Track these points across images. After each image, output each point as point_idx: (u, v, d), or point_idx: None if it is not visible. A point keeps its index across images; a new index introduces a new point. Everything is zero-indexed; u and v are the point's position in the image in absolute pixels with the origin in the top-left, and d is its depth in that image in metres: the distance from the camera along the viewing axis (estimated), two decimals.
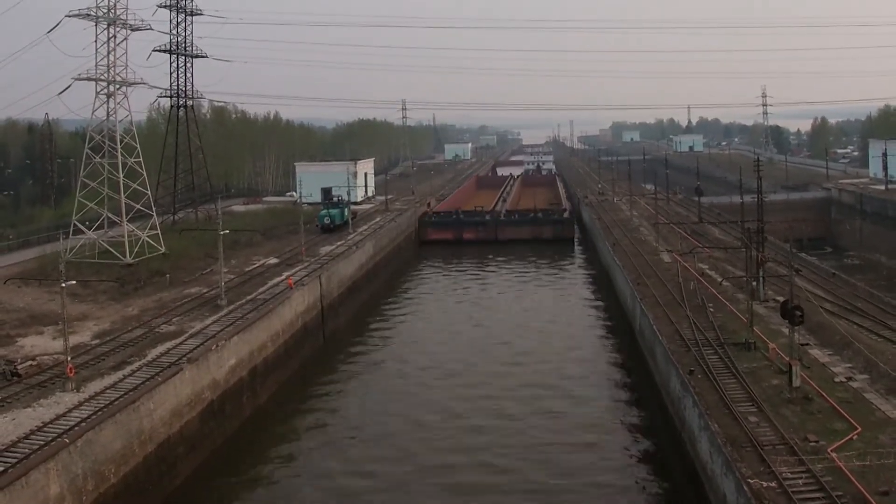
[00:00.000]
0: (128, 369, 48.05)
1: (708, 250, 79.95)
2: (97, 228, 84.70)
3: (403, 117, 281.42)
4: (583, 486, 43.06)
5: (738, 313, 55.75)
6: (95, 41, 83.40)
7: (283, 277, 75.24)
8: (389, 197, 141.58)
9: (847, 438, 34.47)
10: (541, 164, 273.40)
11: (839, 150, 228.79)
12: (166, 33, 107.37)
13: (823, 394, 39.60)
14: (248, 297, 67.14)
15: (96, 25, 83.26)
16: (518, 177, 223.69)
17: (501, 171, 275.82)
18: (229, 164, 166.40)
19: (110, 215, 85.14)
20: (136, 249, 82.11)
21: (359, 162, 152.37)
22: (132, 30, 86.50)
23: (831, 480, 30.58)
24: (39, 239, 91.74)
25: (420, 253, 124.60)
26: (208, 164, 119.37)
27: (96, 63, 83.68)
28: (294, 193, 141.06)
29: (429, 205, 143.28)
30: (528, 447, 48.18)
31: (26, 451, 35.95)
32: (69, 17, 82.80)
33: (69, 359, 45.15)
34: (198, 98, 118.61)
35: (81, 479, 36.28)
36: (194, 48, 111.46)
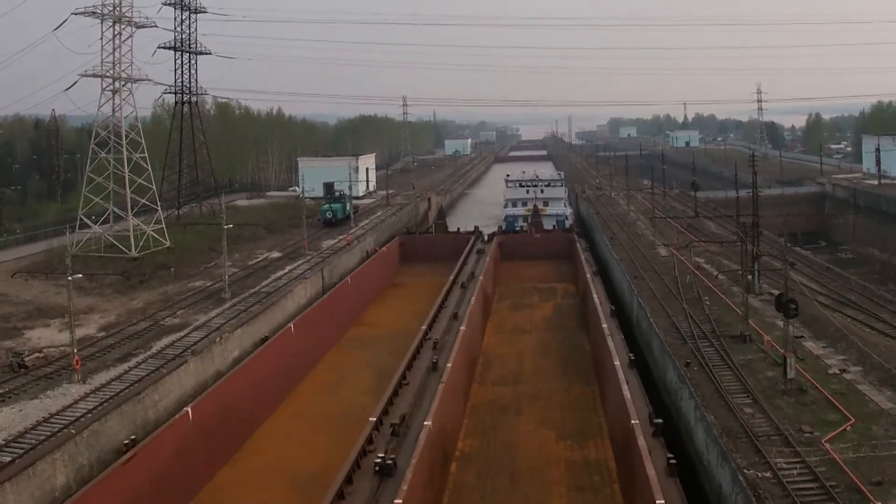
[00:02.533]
0: (133, 361, 48.77)
1: (704, 244, 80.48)
2: (103, 223, 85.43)
3: (404, 113, 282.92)
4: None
5: (733, 306, 56.12)
6: (101, 38, 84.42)
7: (286, 271, 75.94)
8: (390, 192, 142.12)
9: (841, 429, 34.88)
10: (539, 204, 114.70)
11: (833, 146, 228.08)
12: (171, 30, 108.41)
13: (818, 385, 40.03)
14: (252, 291, 67.78)
15: (102, 23, 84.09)
16: (491, 239, 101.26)
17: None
18: (233, 160, 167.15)
19: (116, 210, 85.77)
20: (141, 243, 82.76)
21: (360, 157, 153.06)
22: (137, 27, 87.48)
23: (825, 471, 30.99)
24: (46, 233, 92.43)
25: None
26: (212, 160, 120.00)
27: (102, 60, 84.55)
28: (296, 188, 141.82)
29: (428, 200, 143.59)
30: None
31: (33, 441, 36.64)
32: (75, 14, 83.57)
33: (75, 351, 45.88)
34: (202, 94, 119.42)
35: (87, 469, 36.66)
36: (198, 45, 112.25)
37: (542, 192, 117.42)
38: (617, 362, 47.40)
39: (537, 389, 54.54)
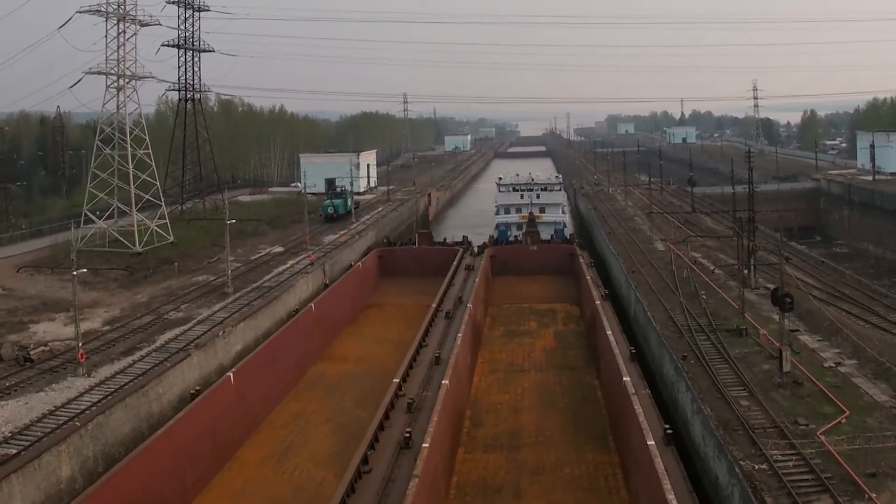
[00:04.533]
0: (137, 355, 49.09)
1: (700, 239, 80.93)
2: (107, 218, 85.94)
3: (405, 110, 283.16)
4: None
5: (729, 300, 56.60)
6: (105, 36, 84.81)
7: (287, 265, 76.43)
8: (391, 187, 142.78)
9: (836, 422, 35.31)
10: (535, 211, 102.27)
11: (828, 142, 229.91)
12: (174, 28, 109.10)
13: (813, 378, 40.49)
14: (254, 285, 68.23)
15: (106, 21, 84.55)
16: (481, 252, 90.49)
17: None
18: (236, 156, 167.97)
19: (120, 205, 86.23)
20: (145, 238, 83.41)
21: (361, 153, 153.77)
22: (141, 25, 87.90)
23: (820, 463, 31.45)
24: (51, 228, 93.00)
25: None
26: (215, 156, 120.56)
27: (106, 57, 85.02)
28: (299, 184, 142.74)
29: (429, 196, 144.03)
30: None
31: (39, 434, 36.91)
32: (80, 12, 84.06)
33: (80, 344, 46.11)
34: (205, 91, 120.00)
35: (92, 461, 37.07)
36: (202, 43, 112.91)
37: (538, 196, 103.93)
38: (651, 441, 35.49)
39: (540, 459, 43.50)
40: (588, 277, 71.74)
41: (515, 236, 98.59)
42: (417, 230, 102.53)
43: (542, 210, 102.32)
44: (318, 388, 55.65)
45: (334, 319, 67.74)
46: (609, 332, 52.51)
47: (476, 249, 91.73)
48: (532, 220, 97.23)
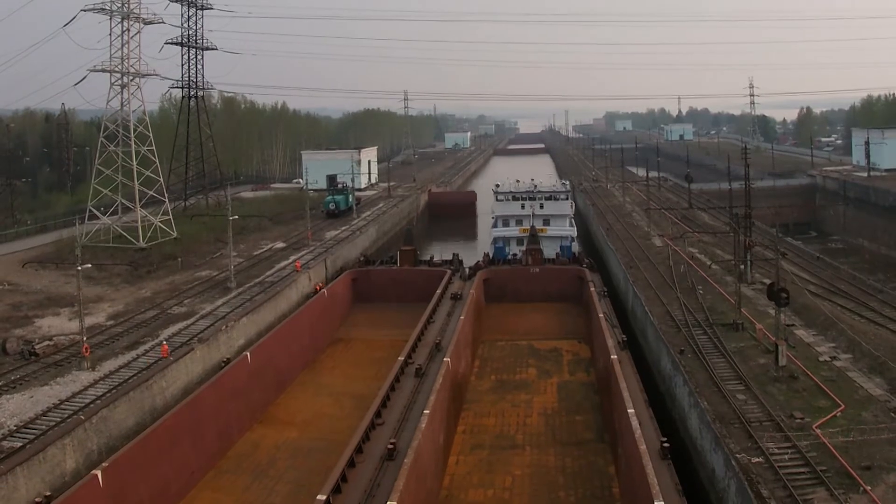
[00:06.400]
0: (141, 349, 49.55)
1: (697, 235, 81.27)
2: (111, 214, 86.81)
3: (405, 107, 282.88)
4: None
5: (726, 295, 56.92)
6: (110, 34, 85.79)
7: (289, 261, 76.84)
8: (392, 184, 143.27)
9: (831, 415, 35.63)
10: (538, 223, 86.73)
11: (824, 139, 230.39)
12: (178, 27, 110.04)
13: (808, 372, 40.86)
14: (256, 280, 68.69)
15: (111, 19, 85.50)
16: (473, 275, 76.30)
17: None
18: (238, 153, 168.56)
19: (124, 201, 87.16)
20: (148, 234, 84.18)
21: (363, 150, 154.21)
22: (145, 23, 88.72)
23: (816, 456, 31.75)
24: (56, 224, 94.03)
25: None
26: (218, 152, 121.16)
27: (111, 55, 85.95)
28: (300, 180, 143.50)
29: (429, 192, 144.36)
30: None
31: (44, 427, 37.35)
32: (85, 11, 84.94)
33: (85, 339, 46.74)
34: (208, 89, 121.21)
35: (96, 454, 37.40)
36: (205, 41, 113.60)
37: (541, 206, 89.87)
38: None
39: None
40: (601, 314, 57.82)
41: (514, 254, 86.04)
42: (400, 248, 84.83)
43: (547, 222, 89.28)
44: (245, 468, 42.24)
45: (283, 366, 54.97)
46: (631, 411, 38.02)
47: (467, 271, 78.45)
48: (534, 235, 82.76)
